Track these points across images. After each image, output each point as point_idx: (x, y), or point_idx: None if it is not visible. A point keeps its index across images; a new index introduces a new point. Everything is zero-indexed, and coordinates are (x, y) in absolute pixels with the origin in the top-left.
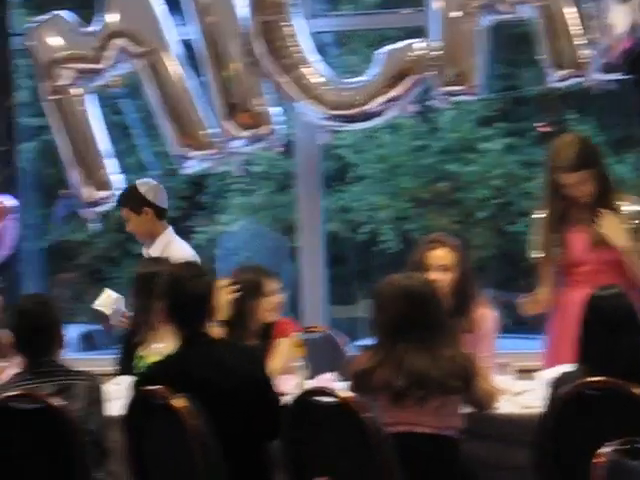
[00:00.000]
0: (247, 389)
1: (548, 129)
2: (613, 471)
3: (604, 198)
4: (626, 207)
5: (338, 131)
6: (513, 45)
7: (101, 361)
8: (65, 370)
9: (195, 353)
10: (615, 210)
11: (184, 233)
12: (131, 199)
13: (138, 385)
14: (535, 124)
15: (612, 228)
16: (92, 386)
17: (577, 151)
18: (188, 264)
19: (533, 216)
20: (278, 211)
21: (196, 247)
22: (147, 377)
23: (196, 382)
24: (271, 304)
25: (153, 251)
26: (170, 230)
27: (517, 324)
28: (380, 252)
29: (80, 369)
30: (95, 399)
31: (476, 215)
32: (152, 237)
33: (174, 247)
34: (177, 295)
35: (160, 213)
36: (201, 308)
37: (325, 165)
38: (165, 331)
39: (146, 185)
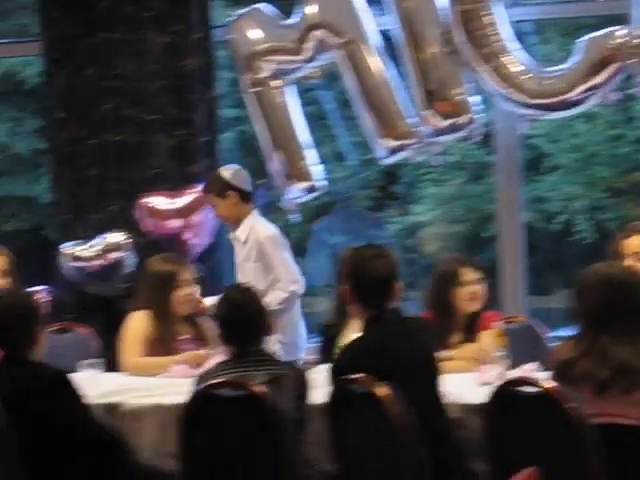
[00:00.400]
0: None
1: None
2: None
3: None
4: None
5: (537, 120)
6: None
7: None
8: (274, 360)
9: (384, 330)
10: None
11: (377, 223)
12: (215, 184)
13: (338, 369)
14: None
15: None
16: (301, 379)
17: None
18: (370, 246)
19: None
20: (472, 201)
21: (389, 237)
22: (344, 360)
23: (389, 358)
24: (468, 293)
25: (240, 234)
26: (256, 212)
27: None
28: (574, 242)
29: (288, 360)
30: (302, 393)
31: None
32: (238, 220)
33: (259, 227)
34: (360, 276)
35: (245, 196)
36: (383, 288)
37: (521, 155)
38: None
39: (230, 170)
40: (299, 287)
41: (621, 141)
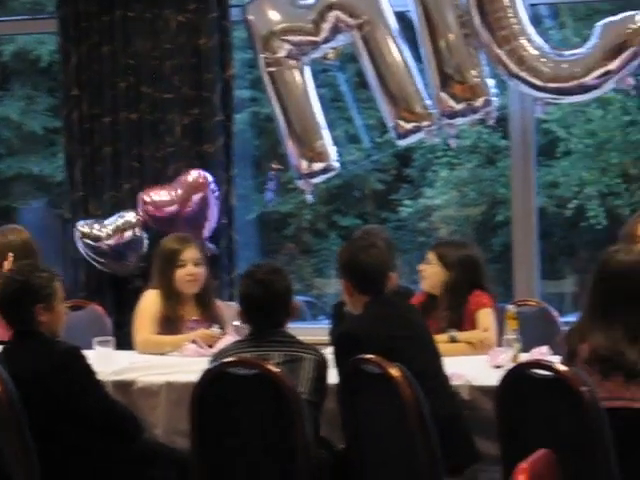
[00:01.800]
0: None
1: None
2: None
3: None
4: None
5: (554, 104)
6: None
7: (307, 330)
8: (294, 341)
9: (383, 311)
10: None
11: (390, 206)
12: None
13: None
14: None
15: None
16: (320, 362)
17: None
18: (362, 237)
19: None
20: (484, 185)
21: (402, 220)
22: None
23: (390, 330)
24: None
25: None
26: None
27: None
28: (587, 228)
29: (308, 343)
30: (321, 376)
31: None
32: None
33: None
34: (354, 268)
35: None
36: (378, 277)
37: (536, 139)
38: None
39: None
40: None
41: (635, 127)
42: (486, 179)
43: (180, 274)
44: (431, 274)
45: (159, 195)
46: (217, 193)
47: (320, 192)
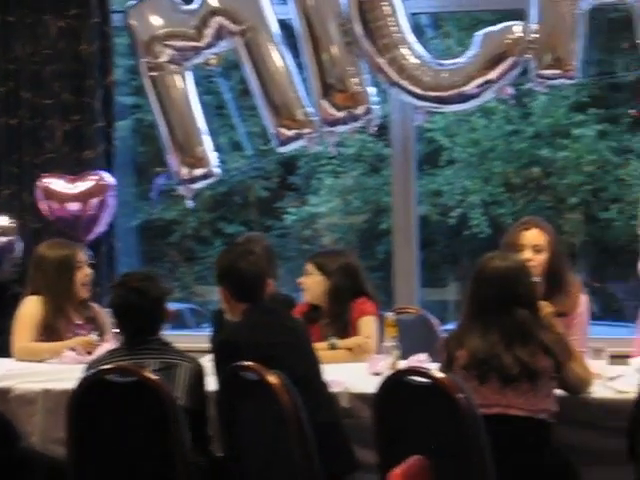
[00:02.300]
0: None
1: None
2: None
3: None
4: None
5: (434, 113)
6: (608, 31)
7: (190, 337)
8: (169, 349)
9: (260, 318)
10: None
11: (274, 214)
12: None
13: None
14: (629, 110)
15: None
16: (195, 369)
17: None
18: (238, 244)
19: None
20: (368, 193)
21: (286, 228)
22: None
23: (268, 337)
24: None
25: None
26: None
27: (607, 311)
28: (470, 236)
29: (184, 351)
30: (197, 383)
31: (568, 201)
32: None
33: None
34: (230, 275)
35: None
36: (255, 284)
37: (418, 148)
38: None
39: None
40: None
41: (518, 137)
42: (370, 187)
43: (80, 276)
44: (312, 285)
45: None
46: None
47: (205, 199)
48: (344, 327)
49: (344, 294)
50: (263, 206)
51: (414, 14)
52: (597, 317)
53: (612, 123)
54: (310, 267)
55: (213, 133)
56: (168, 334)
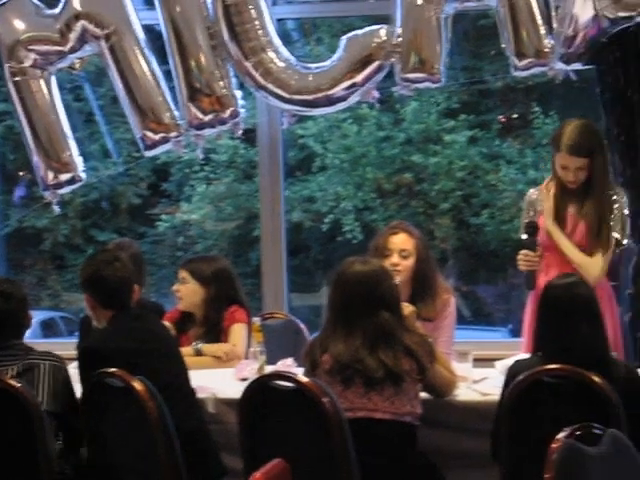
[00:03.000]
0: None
1: (511, 122)
2: (567, 456)
3: (596, 187)
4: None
5: (301, 117)
6: (478, 38)
7: (62, 345)
8: (29, 351)
9: (126, 324)
10: (605, 200)
11: (147, 221)
12: None
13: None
14: (499, 117)
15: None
16: (57, 367)
17: (586, 137)
18: (104, 251)
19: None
20: (241, 200)
21: (159, 235)
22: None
23: (134, 343)
24: None
25: None
26: None
27: (477, 315)
28: (344, 242)
29: (45, 350)
30: (60, 380)
31: (439, 207)
32: None
33: None
34: (96, 282)
35: None
36: (120, 291)
37: (290, 154)
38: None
39: None
40: None
41: (390, 143)
42: (242, 194)
43: None
44: (188, 292)
45: None
46: None
47: (76, 206)
48: (217, 335)
49: (220, 301)
50: (136, 213)
51: (280, 20)
52: (468, 321)
53: (482, 129)
54: (184, 274)
55: (84, 140)
56: (39, 342)
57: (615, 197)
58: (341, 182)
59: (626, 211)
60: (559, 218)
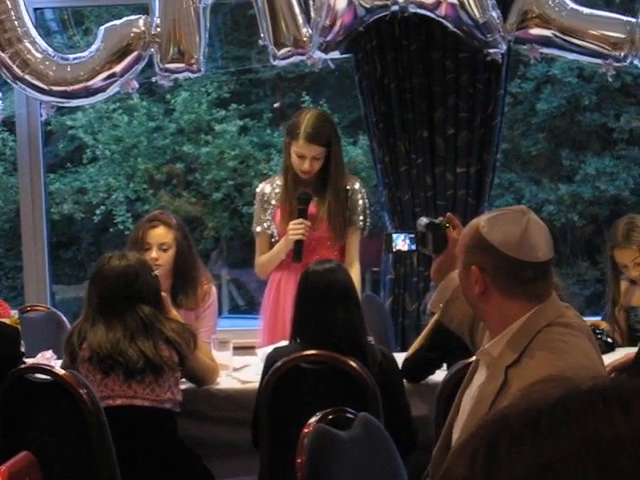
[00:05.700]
0: None
1: (282, 111)
2: (318, 440)
3: (333, 178)
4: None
5: (70, 108)
6: (248, 26)
7: None
8: None
9: None
10: (342, 191)
11: None
12: None
13: None
14: (270, 106)
15: None
16: None
17: (325, 126)
18: None
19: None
20: (11, 193)
21: None
22: None
23: None
24: None
25: None
26: None
27: (250, 304)
28: (116, 233)
29: None
30: None
31: (212, 196)
32: None
33: None
34: None
35: None
36: None
37: (60, 146)
38: None
39: None
40: None
41: (160, 133)
42: (12, 186)
43: None
44: None
45: None
46: None
47: None
48: None
49: None
50: None
51: (38, 9)
52: (235, 310)
53: (253, 118)
54: None
55: None
56: None
57: (356, 186)
58: (112, 173)
59: (366, 200)
60: (293, 210)
